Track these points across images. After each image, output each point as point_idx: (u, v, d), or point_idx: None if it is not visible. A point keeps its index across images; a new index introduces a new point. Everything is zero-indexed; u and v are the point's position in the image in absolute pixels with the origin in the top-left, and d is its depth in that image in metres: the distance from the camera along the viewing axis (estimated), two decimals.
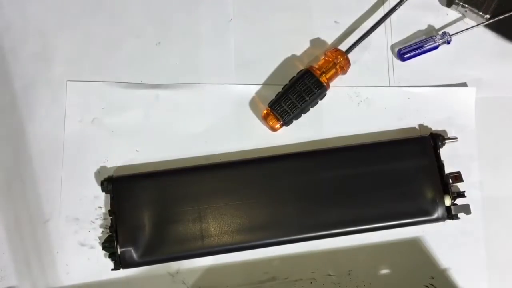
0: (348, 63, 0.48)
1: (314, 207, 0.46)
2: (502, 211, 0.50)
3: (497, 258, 0.49)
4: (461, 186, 0.48)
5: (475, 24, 0.51)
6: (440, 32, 0.50)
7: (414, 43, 0.50)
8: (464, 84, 0.51)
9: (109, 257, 0.45)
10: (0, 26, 0.50)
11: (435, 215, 0.46)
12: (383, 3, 0.52)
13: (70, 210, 0.48)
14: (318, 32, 0.52)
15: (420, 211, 0.46)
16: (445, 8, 0.53)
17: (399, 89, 0.51)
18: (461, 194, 0.47)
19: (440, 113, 0.51)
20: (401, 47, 0.50)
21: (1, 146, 0.49)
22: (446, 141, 0.48)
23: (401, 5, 0.50)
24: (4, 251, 0.47)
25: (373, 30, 0.49)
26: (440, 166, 0.47)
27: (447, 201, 0.46)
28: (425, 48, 0.50)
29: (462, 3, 0.51)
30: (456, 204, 0.46)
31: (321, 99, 0.48)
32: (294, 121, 0.48)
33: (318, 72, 0.47)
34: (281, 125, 0.48)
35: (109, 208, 0.46)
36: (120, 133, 0.49)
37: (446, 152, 0.48)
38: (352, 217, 0.46)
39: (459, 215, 0.46)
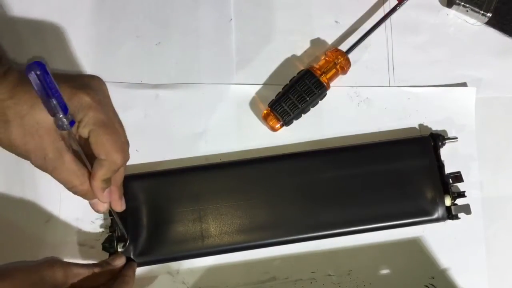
0: (348, 63, 0.48)
1: (314, 207, 0.46)
2: (502, 211, 0.50)
3: (497, 258, 0.49)
4: (461, 186, 0.48)
5: None
6: None
7: None
8: (464, 84, 0.51)
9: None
10: (0, 26, 0.50)
11: (435, 215, 0.46)
12: (383, 3, 0.52)
13: (70, 210, 0.48)
14: (318, 32, 0.52)
15: (420, 211, 0.46)
16: (446, 8, 0.53)
17: (399, 89, 0.51)
18: (461, 194, 0.47)
19: (440, 113, 0.51)
20: None
21: None
22: (446, 141, 0.48)
23: (401, 5, 0.50)
24: (4, 251, 0.47)
25: (373, 30, 0.49)
26: (440, 166, 0.47)
27: (447, 201, 0.46)
28: None
29: (463, 3, 0.51)
30: (456, 204, 0.46)
31: (321, 99, 0.48)
32: (294, 121, 0.48)
33: (319, 72, 0.47)
34: (281, 125, 0.48)
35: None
36: None
37: (446, 152, 0.48)
38: (352, 217, 0.46)
39: (459, 215, 0.46)
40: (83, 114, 0.35)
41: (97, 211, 0.40)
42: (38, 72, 0.29)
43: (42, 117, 0.33)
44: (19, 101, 0.33)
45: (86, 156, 0.37)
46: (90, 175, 0.37)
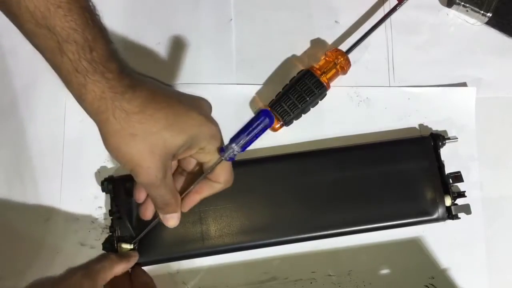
0: (348, 63, 0.48)
1: (314, 207, 0.46)
2: (502, 211, 0.50)
3: (497, 258, 0.49)
4: (461, 186, 0.48)
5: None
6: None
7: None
8: (464, 84, 0.51)
9: None
10: (0, 26, 0.50)
11: (436, 215, 0.46)
12: (383, 3, 0.52)
13: (70, 210, 0.48)
14: (318, 32, 0.52)
15: (420, 211, 0.46)
16: (446, 8, 0.53)
17: (399, 89, 0.51)
18: (461, 194, 0.47)
19: (440, 113, 0.51)
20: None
21: (1, 146, 0.49)
22: (446, 141, 0.48)
23: (401, 5, 0.50)
24: (3, 251, 0.47)
25: (373, 30, 0.49)
26: (441, 166, 0.47)
27: (447, 201, 0.46)
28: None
29: (463, 3, 0.51)
30: (456, 204, 0.46)
31: (321, 99, 0.48)
32: (295, 121, 0.48)
33: (319, 72, 0.47)
34: (282, 125, 0.48)
35: (109, 208, 0.46)
36: None
37: (446, 152, 0.48)
38: (352, 217, 0.46)
39: (459, 215, 0.46)
40: (207, 143, 0.36)
41: (168, 225, 0.40)
42: (267, 121, 0.37)
43: (170, 139, 0.34)
44: (151, 118, 0.33)
45: (178, 173, 0.40)
46: (194, 191, 0.39)
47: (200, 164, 0.39)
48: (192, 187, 0.39)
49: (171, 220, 0.39)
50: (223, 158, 0.37)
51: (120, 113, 0.32)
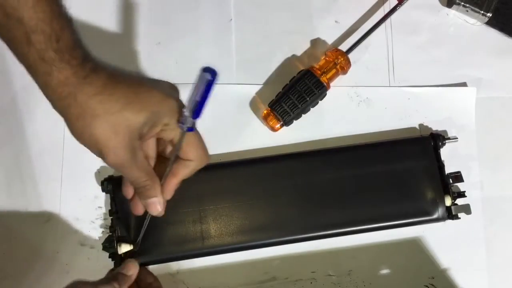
0: (348, 63, 0.48)
1: (314, 207, 0.46)
2: (502, 211, 0.50)
3: (497, 258, 0.49)
4: (461, 186, 0.48)
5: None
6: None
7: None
8: (464, 84, 0.51)
9: (109, 257, 0.45)
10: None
11: (436, 215, 0.46)
12: (383, 3, 0.52)
13: (70, 210, 0.48)
14: (318, 32, 0.52)
15: (420, 211, 0.46)
16: (446, 8, 0.53)
17: (399, 89, 0.51)
18: (462, 194, 0.47)
19: (440, 113, 0.51)
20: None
21: (1, 146, 0.49)
22: (446, 141, 0.48)
23: (401, 5, 0.50)
24: (4, 251, 0.47)
25: (374, 30, 0.49)
26: (441, 166, 0.47)
27: (448, 201, 0.46)
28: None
29: (463, 3, 0.51)
30: (456, 204, 0.46)
31: (321, 99, 0.48)
32: (295, 121, 0.48)
33: (319, 72, 0.47)
34: (282, 125, 0.48)
35: (109, 208, 0.46)
36: None
37: (446, 152, 0.48)
38: (352, 217, 0.46)
39: (460, 215, 0.46)
40: (169, 118, 0.36)
41: (152, 212, 0.39)
42: (211, 78, 0.34)
43: (131, 117, 0.34)
44: (111, 98, 0.33)
45: (161, 161, 0.39)
46: (170, 173, 0.38)
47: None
48: (167, 169, 0.38)
49: (153, 206, 0.38)
50: (181, 129, 0.35)
51: (81, 96, 0.32)
